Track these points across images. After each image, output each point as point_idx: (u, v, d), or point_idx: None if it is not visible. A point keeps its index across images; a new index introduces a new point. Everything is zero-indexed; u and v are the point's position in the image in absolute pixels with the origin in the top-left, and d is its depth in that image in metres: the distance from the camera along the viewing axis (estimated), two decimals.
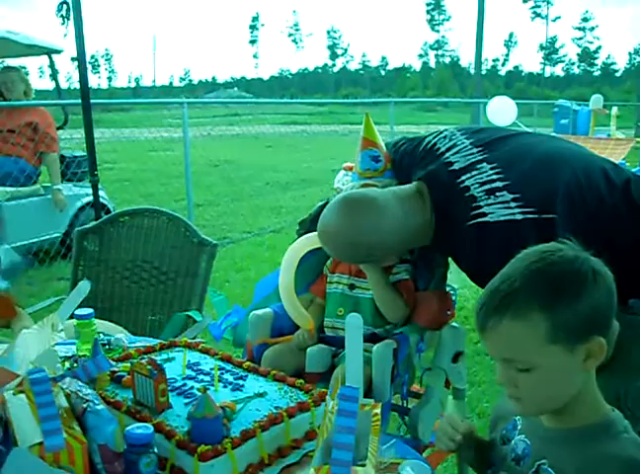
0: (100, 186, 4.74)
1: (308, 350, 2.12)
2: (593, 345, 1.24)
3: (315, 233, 2.15)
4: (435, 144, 2.03)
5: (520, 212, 1.69)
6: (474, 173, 1.82)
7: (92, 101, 4.53)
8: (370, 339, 1.97)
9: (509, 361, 1.26)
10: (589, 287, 1.23)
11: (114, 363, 1.75)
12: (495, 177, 1.77)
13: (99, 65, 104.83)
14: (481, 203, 1.75)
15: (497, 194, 1.74)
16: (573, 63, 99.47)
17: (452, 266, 2.13)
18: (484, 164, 1.83)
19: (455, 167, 1.89)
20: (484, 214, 1.73)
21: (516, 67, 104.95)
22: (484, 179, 1.79)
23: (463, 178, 1.84)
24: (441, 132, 2.07)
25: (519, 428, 1.39)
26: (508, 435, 1.41)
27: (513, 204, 1.71)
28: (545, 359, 1.23)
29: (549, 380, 1.25)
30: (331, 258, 2.25)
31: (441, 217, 1.87)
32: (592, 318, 1.24)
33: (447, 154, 1.95)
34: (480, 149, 1.90)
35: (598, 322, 1.25)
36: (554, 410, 1.30)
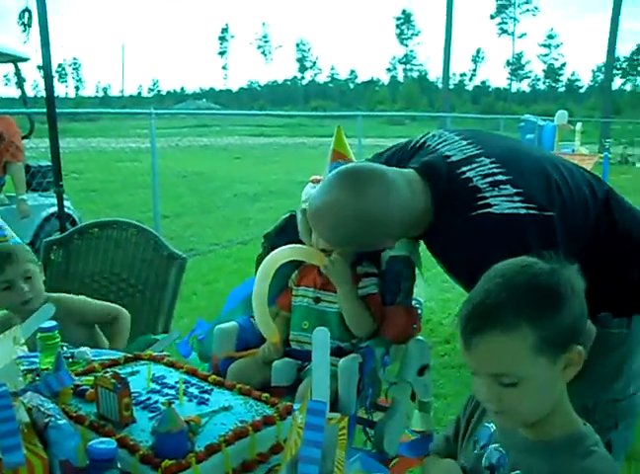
0: (65, 196, 4.70)
1: (274, 363, 2.11)
2: (572, 354, 1.27)
3: (291, 246, 2.14)
4: (424, 142, 1.99)
5: (522, 207, 1.69)
6: (474, 165, 1.80)
7: (58, 110, 4.50)
8: (336, 353, 1.97)
9: (495, 376, 1.26)
10: (569, 299, 1.26)
11: (76, 378, 1.73)
12: (496, 170, 1.77)
13: (66, 74, 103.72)
14: (486, 194, 1.73)
15: (501, 186, 1.73)
16: (539, 79, 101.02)
17: (418, 279, 2.14)
18: (483, 158, 1.81)
19: (453, 159, 1.86)
20: (489, 205, 1.71)
21: (483, 82, 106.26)
22: (485, 171, 1.78)
23: (464, 169, 1.81)
24: (428, 133, 2.05)
25: (493, 436, 1.40)
26: (480, 443, 1.41)
27: (516, 199, 1.71)
28: (532, 371, 1.25)
29: (535, 392, 1.27)
30: (296, 271, 2.24)
31: (441, 207, 1.81)
32: (572, 328, 1.27)
33: (441, 148, 1.91)
34: (474, 145, 1.88)
35: (577, 331, 1.28)
36: (534, 421, 1.31)
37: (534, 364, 1.24)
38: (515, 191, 1.72)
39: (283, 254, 2.13)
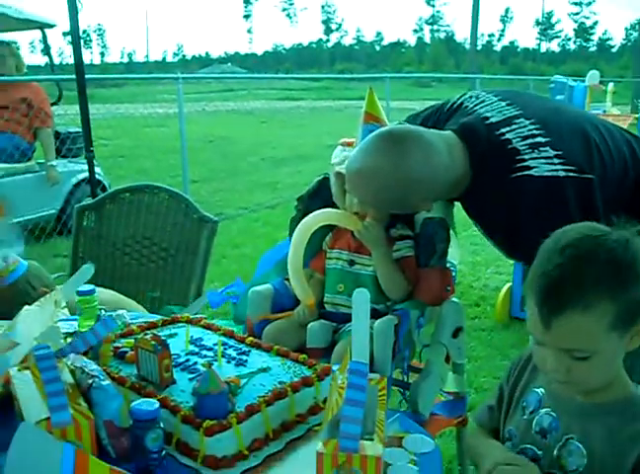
0: (95, 162, 4.72)
1: (309, 325, 2.12)
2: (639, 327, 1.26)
3: (325, 210, 2.14)
4: (462, 103, 1.97)
5: (562, 170, 1.67)
6: (514, 127, 1.78)
7: (87, 76, 4.50)
8: (371, 315, 1.96)
9: (567, 351, 1.25)
10: None
11: (118, 323, 1.74)
12: (536, 132, 1.74)
13: (91, 40, 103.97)
14: (525, 157, 1.71)
15: (540, 148, 1.71)
16: (569, 39, 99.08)
17: (452, 241, 2.13)
18: (522, 119, 1.79)
19: (492, 120, 1.83)
20: (529, 168, 1.69)
21: (511, 43, 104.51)
22: (525, 133, 1.76)
23: (503, 130, 1.79)
24: (465, 94, 2.02)
25: (542, 400, 1.39)
26: (529, 407, 1.41)
27: (556, 161, 1.68)
28: (604, 346, 1.24)
29: (603, 365, 1.27)
30: (330, 233, 2.24)
31: (480, 169, 1.80)
32: None
33: (479, 110, 1.89)
34: (513, 106, 1.85)
35: None
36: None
37: (608, 339, 1.23)
38: (554, 153, 1.69)
39: (317, 218, 2.12)
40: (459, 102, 1.98)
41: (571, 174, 1.67)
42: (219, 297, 2.30)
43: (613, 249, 1.23)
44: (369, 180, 1.81)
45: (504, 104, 1.87)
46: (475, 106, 1.91)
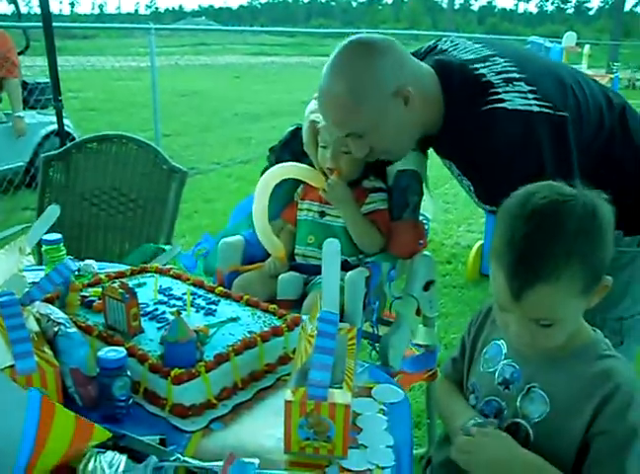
0: (65, 114, 4.62)
1: (280, 277, 2.10)
2: (602, 285, 1.26)
3: (291, 163, 2.10)
4: (436, 46, 1.94)
5: (536, 105, 1.64)
6: (488, 64, 1.75)
7: (55, 24, 4.37)
8: (342, 267, 1.95)
9: (534, 319, 1.24)
10: (608, 233, 1.23)
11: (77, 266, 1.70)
12: (510, 69, 1.71)
13: None
14: (499, 90, 1.67)
15: (514, 83, 1.68)
16: (546, 0, 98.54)
17: (425, 195, 2.12)
18: (497, 58, 1.76)
19: (466, 57, 1.80)
20: (502, 101, 1.66)
21: (489, 2, 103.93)
22: (499, 69, 1.72)
23: (477, 66, 1.75)
24: (440, 38, 1.99)
25: (504, 352, 1.40)
26: (492, 360, 1.42)
27: (530, 96, 1.65)
28: (571, 311, 1.25)
29: (567, 327, 1.27)
30: (302, 185, 2.21)
31: (453, 103, 1.75)
32: (608, 262, 1.25)
33: (453, 51, 1.86)
34: (487, 47, 1.83)
35: (608, 262, 1.26)
36: None
37: (576, 304, 1.24)
38: (529, 88, 1.66)
39: (282, 171, 2.10)
40: (434, 45, 1.95)
41: (545, 110, 1.64)
42: (191, 260, 2.27)
43: (582, 218, 1.21)
44: (343, 93, 1.71)
45: (478, 46, 1.84)
46: (449, 47, 1.89)
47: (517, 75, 1.70)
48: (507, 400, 1.36)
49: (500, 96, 1.67)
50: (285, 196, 2.22)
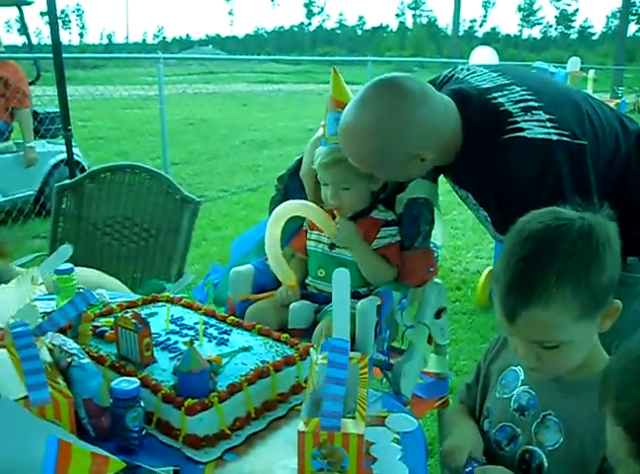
0: (74, 143, 4.66)
1: (291, 306, 2.10)
2: (610, 308, 1.26)
3: (304, 202, 2.10)
4: (453, 75, 1.95)
5: (555, 133, 1.65)
6: (505, 92, 1.76)
7: (64, 55, 4.43)
8: (353, 296, 1.95)
9: (536, 342, 1.25)
10: (608, 257, 1.23)
11: (96, 298, 1.71)
12: (528, 97, 1.72)
13: (69, 21, 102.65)
14: (518, 119, 1.68)
15: (533, 112, 1.69)
16: (550, 26, 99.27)
17: (436, 221, 2.12)
18: (514, 86, 1.77)
19: (484, 86, 1.81)
20: (522, 129, 1.67)
21: (493, 29, 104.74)
22: (517, 98, 1.73)
23: (495, 95, 1.76)
24: (456, 67, 2.00)
25: (521, 378, 1.39)
26: (508, 386, 1.41)
27: (549, 124, 1.66)
28: (573, 335, 1.24)
29: (575, 351, 1.27)
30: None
31: (472, 131, 1.76)
32: (610, 285, 1.25)
33: (470, 79, 1.87)
34: (504, 76, 1.83)
35: (614, 286, 1.26)
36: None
37: (577, 328, 1.24)
38: (547, 117, 1.67)
39: (295, 207, 2.09)
40: (450, 74, 1.96)
41: (564, 138, 1.65)
42: (203, 292, 2.27)
43: (575, 241, 1.22)
44: (363, 131, 1.73)
45: (495, 74, 1.85)
46: (466, 76, 1.89)
47: (535, 103, 1.71)
48: (522, 426, 1.35)
49: (519, 125, 1.68)
50: (294, 223, 2.22)
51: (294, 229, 2.25)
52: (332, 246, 2.12)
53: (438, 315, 2.08)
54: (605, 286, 1.24)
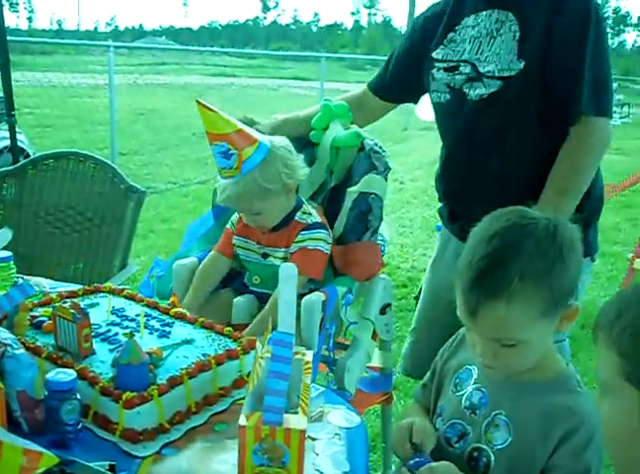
0: (19, 130, 4.54)
1: (235, 300, 2.07)
2: (570, 310, 1.27)
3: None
4: None
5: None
6: None
7: (10, 38, 4.31)
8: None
9: (495, 339, 1.25)
10: (570, 258, 1.24)
11: (35, 290, 1.66)
12: None
13: (17, 3, 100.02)
14: None
15: None
16: None
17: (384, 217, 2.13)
18: None
19: None
20: None
21: None
22: None
23: None
24: None
25: (474, 377, 1.40)
26: (462, 384, 1.42)
27: None
28: (532, 334, 1.25)
29: (531, 350, 1.28)
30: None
31: None
32: (572, 286, 1.26)
33: None
34: None
35: (575, 288, 1.28)
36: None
37: (535, 327, 1.24)
38: None
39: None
40: None
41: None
42: (149, 287, 2.22)
43: (540, 240, 1.23)
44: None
45: None
46: None
47: None
48: (472, 424, 1.36)
49: None
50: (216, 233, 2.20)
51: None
52: (264, 255, 2.08)
53: (383, 311, 2.08)
54: (567, 288, 1.25)
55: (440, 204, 2.22)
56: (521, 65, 1.81)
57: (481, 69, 1.88)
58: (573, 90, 1.79)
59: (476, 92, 1.89)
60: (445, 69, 1.97)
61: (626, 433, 1.00)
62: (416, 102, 2.27)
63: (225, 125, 1.84)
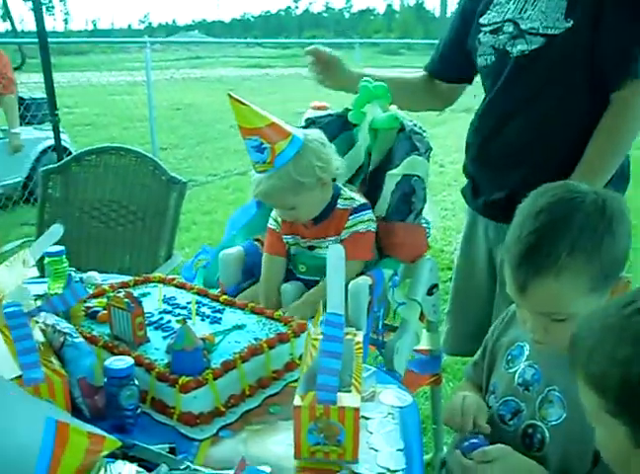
0: (61, 129, 4.62)
1: (282, 287, 2.09)
2: (620, 283, 1.26)
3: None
4: None
5: None
6: None
7: (50, 39, 4.39)
8: None
9: (545, 314, 1.25)
10: (620, 231, 1.23)
11: (88, 292, 1.70)
12: None
13: (53, 7, 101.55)
14: None
15: None
16: None
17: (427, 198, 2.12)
18: None
19: None
20: None
21: None
22: None
23: None
24: None
25: (526, 354, 1.40)
26: (514, 361, 1.42)
27: None
28: (583, 308, 1.23)
29: None
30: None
31: None
32: (622, 260, 1.25)
33: None
34: None
35: (625, 262, 1.26)
36: None
37: (586, 302, 1.23)
38: None
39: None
40: None
41: None
42: (191, 271, 2.26)
43: (589, 214, 1.22)
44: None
45: None
46: None
47: None
48: (526, 401, 1.35)
49: None
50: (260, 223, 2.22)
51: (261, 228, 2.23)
52: (311, 247, 2.09)
53: (430, 292, 2.08)
54: (617, 261, 1.24)
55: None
56: (569, 24, 1.78)
57: (523, 26, 1.86)
58: (623, 52, 1.75)
59: (518, 48, 1.87)
60: (491, 32, 1.95)
61: (620, 454, 1.01)
62: (471, 81, 2.25)
63: (258, 119, 1.86)
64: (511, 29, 1.89)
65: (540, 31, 1.83)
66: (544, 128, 1.87)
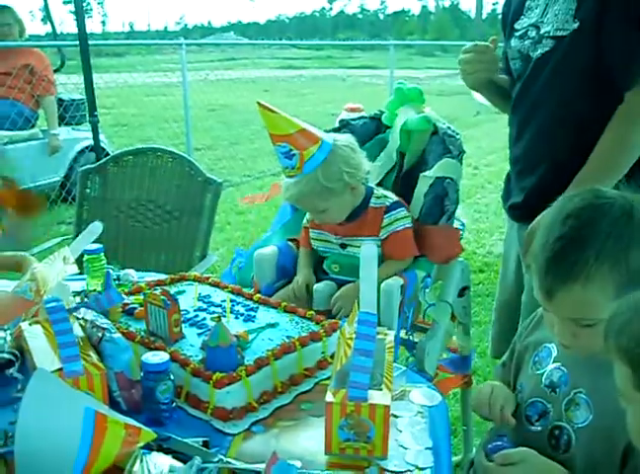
0: (99, 129, 4.70)
1: (315, 286, 2.11)
2: None
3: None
4: None
5: None
6: None
7: (90, 42, 4.47)
8: None
9: (572, 319, 1.25)
10: None
11: (125, 297, 1.76)
12: None
13: (91, 9, 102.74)
14: None
15: None
16: None
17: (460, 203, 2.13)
18: None
19: None
20: None
21: None
22: None
23: None
24: None
25: (554, 355, 1.40)
26: (541, 362, 1.42)
27: None
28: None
29: None
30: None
31: None
32: None
33: None
34: None
35: None
36: None
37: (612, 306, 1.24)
38: None
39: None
40: None
41: None
42: (230, 276, 2.30)
43: (616, 219, 1.21)
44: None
45: None
46: None
47: None
48: (552, 403, 1.36)
49: None
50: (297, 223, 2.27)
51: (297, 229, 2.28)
52: (343, 246, 2.12)
53: (461, 293, 2.09)
54: None
55: None
56: (575, 25, 1.78)
57: (542, 31, 1.87)
58: (631, 52, 1.73)
59: (537, 52, 1.88)
60: (519, 37, 1.96)
61: None
62: None
63: (287, 126, 1.90)
64: (533, 33, 1.90)
65: (552, 33, 1.83)
66: (554, 133, 1.87)
